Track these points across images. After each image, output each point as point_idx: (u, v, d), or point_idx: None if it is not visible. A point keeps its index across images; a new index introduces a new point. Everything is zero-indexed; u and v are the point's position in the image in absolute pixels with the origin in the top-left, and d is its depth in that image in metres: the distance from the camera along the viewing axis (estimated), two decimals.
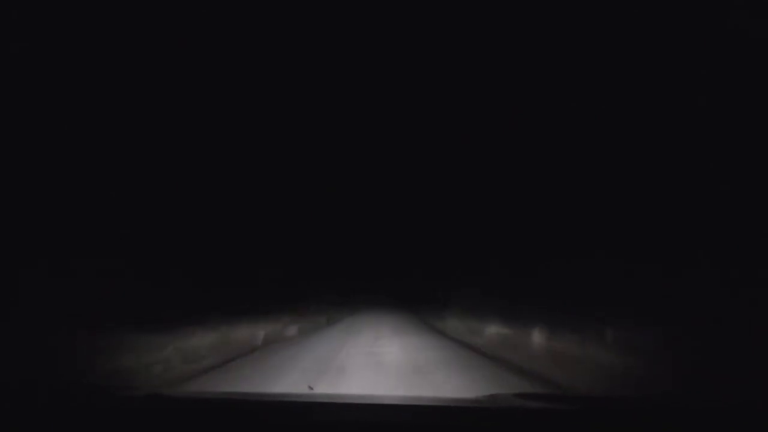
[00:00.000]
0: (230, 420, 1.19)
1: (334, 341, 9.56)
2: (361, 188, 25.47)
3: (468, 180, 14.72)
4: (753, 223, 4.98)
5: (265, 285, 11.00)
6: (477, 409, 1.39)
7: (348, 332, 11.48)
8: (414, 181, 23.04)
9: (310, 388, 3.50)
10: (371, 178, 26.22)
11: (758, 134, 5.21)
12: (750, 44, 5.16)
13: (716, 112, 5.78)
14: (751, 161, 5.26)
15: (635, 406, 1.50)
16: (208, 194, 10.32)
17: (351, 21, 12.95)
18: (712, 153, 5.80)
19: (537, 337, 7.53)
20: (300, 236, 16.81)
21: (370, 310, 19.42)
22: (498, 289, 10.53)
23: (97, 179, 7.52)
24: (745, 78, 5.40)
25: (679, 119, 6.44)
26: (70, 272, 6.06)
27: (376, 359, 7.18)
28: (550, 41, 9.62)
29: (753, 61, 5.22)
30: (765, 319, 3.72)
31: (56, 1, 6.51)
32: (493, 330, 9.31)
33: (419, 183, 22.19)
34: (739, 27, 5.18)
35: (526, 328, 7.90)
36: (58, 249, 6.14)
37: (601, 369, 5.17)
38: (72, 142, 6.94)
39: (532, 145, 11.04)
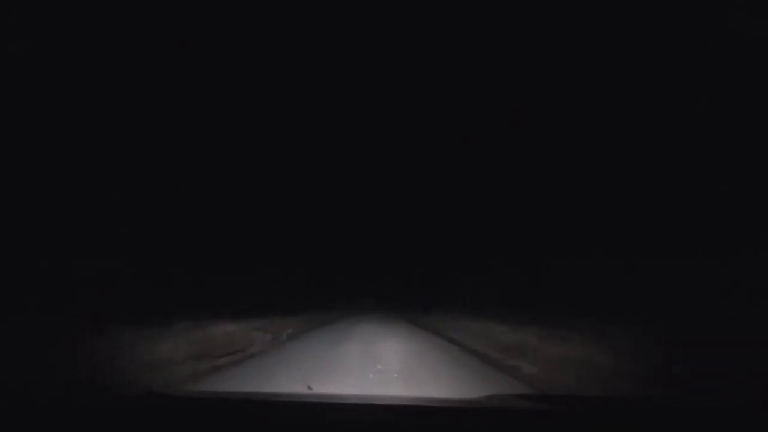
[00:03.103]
0: (229, 420, 1.18)
1: None
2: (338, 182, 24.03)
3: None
4: (753, 223, 4.98)
5: None
6: (476, 409, 1.39)
7: None
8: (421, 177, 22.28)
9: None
10: (361, 175, 25.55)
11: (758, 134, 5.21)
12: (750, 44, 5.16)
13: (716, 112, 5.78)
14: (752, 161, 5.26)
15: (635, 406, 1.49)
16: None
17: (352, 22, 12.99)
18: (712, 153, 5.81)
19: None
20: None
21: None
22: None
23: (97, 180, 7.52)
24: (744, 78, 5.40)
25: (679, 119, 6.45)
26: (70, 272, 6.07)
27: None
28: (551, 41, 9.63)
29: (753, 61, 5.22)
30: (765, 319, 3.73)
31: (56, 1, 6.52)
32: None
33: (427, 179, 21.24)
34: (739, 27, 5.18)
35: None
36: (59, 249, 6.15)
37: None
38: (72, 143, 6.94)
39: (532, 145, 11.04)
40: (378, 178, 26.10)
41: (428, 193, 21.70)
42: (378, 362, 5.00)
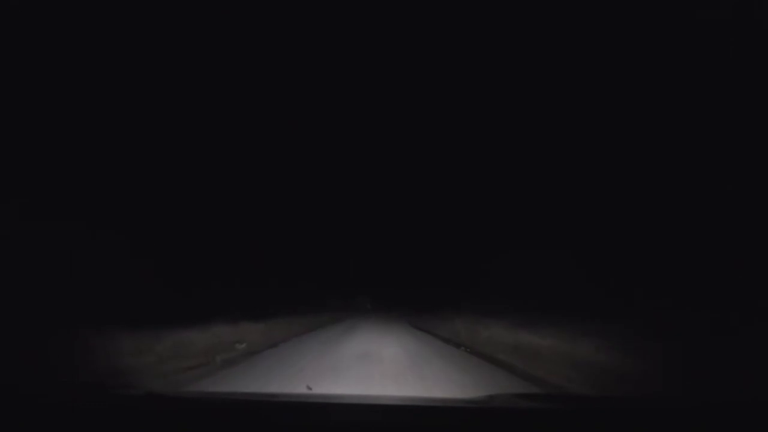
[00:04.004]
0: (229, 420, 1.18)
1: None
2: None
3: None
4: (753, 221, 4.98)
5: None
6: (476, 409, 1.39)
7: None
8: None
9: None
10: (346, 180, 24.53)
11: (757, 134, 5.21)
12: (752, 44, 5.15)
13: (716, 112, 5.77)
14: (752, 161, 5.25)
15: (634, 406, 1.49)
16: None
17: (351, 22, 12.98)
18: (712, 152, 5.80)
19: None
20: None
21: None
22: None
23: (97, 180, 7.50)
24: (745, 78, 5.39)
25: (676, 119, 6.44)
26: (71, 273, 6.05)
27: None
28: (547, 44, 9.62)
29: (753, 61, 5.22)
30: (764, 319, 3.73)
31: (56, 1, 6.51)
32: None
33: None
34: (740, 27, 5.18)
35: None
36: (59, 249, 6.13)
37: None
38: (73, 144, 6.93)
39: (532, 144, 11.04)
40: (376, 178, 26.08)
41: (427, 193, 21.68)
42: None
